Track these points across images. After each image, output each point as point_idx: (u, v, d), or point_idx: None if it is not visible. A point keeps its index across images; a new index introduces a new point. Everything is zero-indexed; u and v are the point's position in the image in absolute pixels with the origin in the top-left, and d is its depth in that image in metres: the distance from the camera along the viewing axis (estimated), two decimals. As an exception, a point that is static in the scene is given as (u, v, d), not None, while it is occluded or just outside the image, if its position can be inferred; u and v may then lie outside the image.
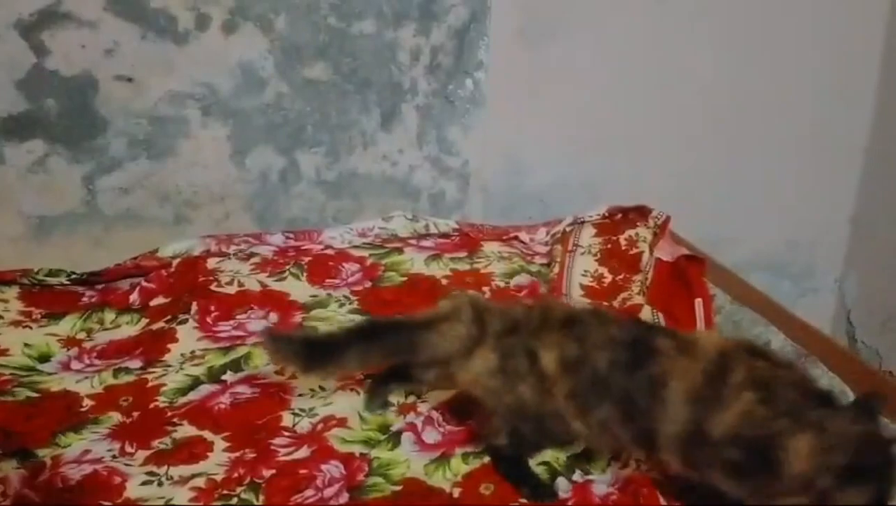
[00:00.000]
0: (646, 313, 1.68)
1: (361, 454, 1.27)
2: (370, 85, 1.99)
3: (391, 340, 1.29)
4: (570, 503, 1.18)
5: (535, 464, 1.26)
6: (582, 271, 1.87)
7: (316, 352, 1.27)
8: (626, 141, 2.24)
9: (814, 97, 2.32)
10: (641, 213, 2.04)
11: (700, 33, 2.20)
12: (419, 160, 2.08)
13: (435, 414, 1.35)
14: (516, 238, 2.02)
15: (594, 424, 1.19)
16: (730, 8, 2.21)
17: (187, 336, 1.55)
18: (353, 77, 1.98)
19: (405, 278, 1.78)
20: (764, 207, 2.37)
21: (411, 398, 1.40)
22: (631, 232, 1.97)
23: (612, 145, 2.22)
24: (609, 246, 1.95)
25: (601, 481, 1.22)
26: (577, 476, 1.24)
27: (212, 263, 1.72)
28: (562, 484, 1.22)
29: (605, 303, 1.75)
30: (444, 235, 1.98)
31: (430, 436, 1.31)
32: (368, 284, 1.76)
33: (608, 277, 1.86)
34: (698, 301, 1.72)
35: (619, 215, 2.06)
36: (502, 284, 1.80)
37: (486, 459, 1.26)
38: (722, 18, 2.21)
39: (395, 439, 1.30)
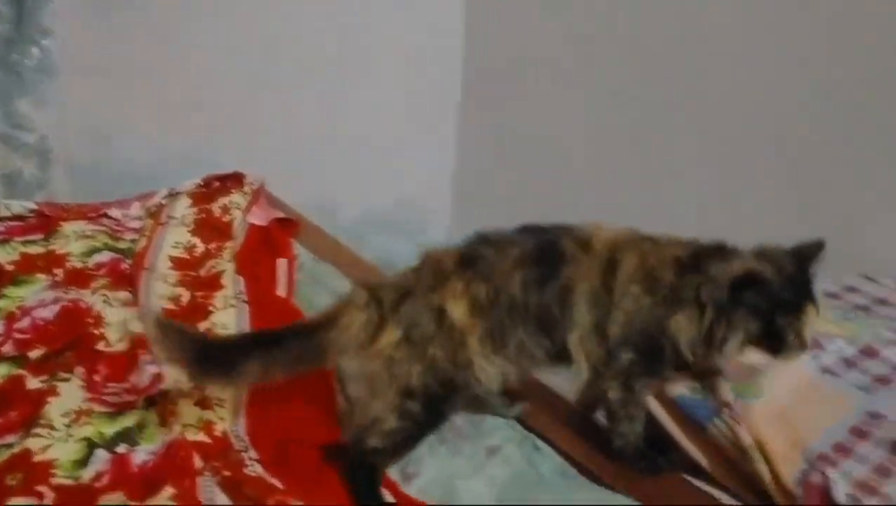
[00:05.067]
0: (228, 278, 1.69)
1: None
2: None
3: (295, 346, 1.18)
4: (105, 477, 1.15)
5: (77, 439, 1.21)
6: (173, 243, 1.83)
7: (210, 357, 1.16)
8: (228, 108, 2.22)
9: (405, 60, 2.45)
10: (237, 179, 2.04)
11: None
12: (-16, 138, 1.90)
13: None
14: (105, 215, 1.93)
15: (511, 352, 1.19)
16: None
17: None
18: None
19: (-38, 269, 1.62)
20: (371, 169, 2.48)
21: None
22: (225, 200, 1.96)
23: (210, 113, 2.19)
24: (203, 215, 1.93)
25: (142, 450, 1.20)
26: (122, 449, 1.21)
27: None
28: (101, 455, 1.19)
29: (193, 273, 1.73)
30: (19, 218, 1.83)
31: (-44, 434, 1.20)
32: (-86, 281, 1.58)
33: (200, 247, 1.83)
34: (281, 261, 1.76)
35: (216, 184, 2.05)
36: (80, 264, 1.70)
37: (17, 449, 1.18)
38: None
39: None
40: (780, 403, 1.24)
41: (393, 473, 1.24)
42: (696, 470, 1.26)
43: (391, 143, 2.49)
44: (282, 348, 1.19)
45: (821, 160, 1.80)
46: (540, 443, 1.30)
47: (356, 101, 2.43)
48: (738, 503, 1.21)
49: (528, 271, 1.18)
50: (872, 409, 1.26)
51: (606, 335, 1.18)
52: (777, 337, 1.15)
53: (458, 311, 1.17)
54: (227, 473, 1.17)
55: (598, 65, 2.23)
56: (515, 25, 2.47)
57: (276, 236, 1.85)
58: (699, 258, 1.16)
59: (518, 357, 1.21)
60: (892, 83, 1.68)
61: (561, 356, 1.22)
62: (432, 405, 1.19)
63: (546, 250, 1.19)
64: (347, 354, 1.21)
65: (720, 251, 1.17)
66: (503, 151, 2.62)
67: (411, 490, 1.22)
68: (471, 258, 1.20)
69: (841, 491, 1.12)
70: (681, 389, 1.28)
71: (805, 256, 1.18)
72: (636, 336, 1.17)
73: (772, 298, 1.12)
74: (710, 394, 1.26)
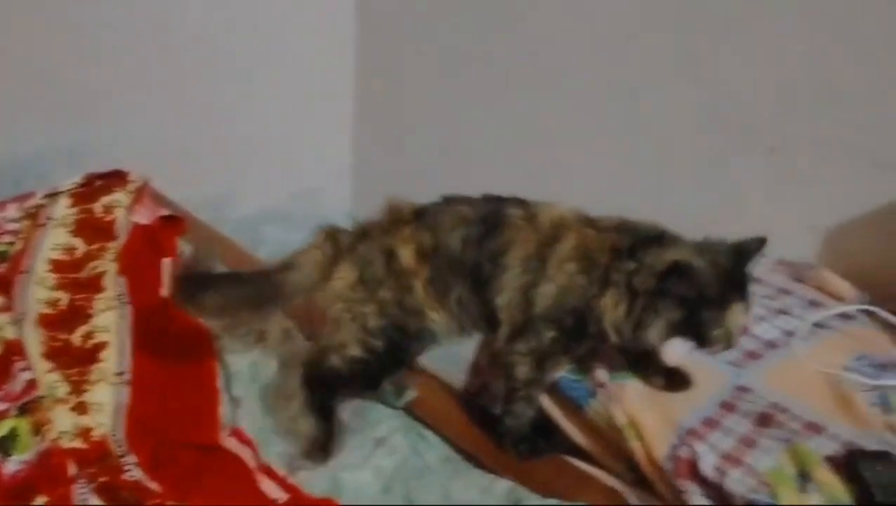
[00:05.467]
0: (110, 279, 1.64)
1: None
2: None
3: (252, 285, 1.26)
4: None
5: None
6: (52, 245, 1.77)
7: (184, 285, 1.31)
8: (114, 102, 2.14)
9: (299, 51, 2.42)
10: (120, 177, 1.99)
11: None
12: None
13: None
14: (-21, 218, 1.85)
15: (453, 306, 1.24)
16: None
17: None
18: None
19: None
20: (267, 162, 2.45)
21: None
22: (108, 199, 1.90)
23: (94, 108, 2.11)
24: (84, 215, 1.87)
25: (14, 460, 1.17)
26: (-4, 459, 1.17)
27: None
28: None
29: (73, 275, 1.68)
30: None
31: None
32: None
33: (81, 248, 1.78)
34: (166, 261, 1.73)
35: (98, 182, 1.99)
36: (-50, 271, 1.63)
37: None
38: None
39: None
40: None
41: (280, 465, 1.24)
42: (576, 450, 1.30)
43: (286, 135, 2.46)
44: (240, 286, 1.27)
45: (695, 141, 1.86)
46: (426, 431, 1.32)
47: (249, 93, 2.38)
48: (616, 481, 1.26)
49: (469, 229, 1.24)
50: (741, 383, 1.32)
51: (532, 304, 1.21)
52: (700, 329, 1.16)
53: (406, 254, 1.24)
54: (103, 478, 1.15)
55: (496, 51, 2.24)
56: (408, 14, 2.47)
57: (162, 235, 1.81)
58: (637, 246, 1.17)
59: (459, 313, 1.26)
60: (769, 64, 1.74)
61: (492, 320, 1.25)
62: (392, 346, 1.26)
63: (492, 214, 1.25)
64: (301, 295, 1.28)
65: (659, 239, 1.18)
66: (401, 141, 2.63)
67: (296, 480, 1.22)
68: (425, 211, 1.27)
69: (708, 463, 1.17)
70: (559, 371, 1.31)
71: (743, 252, 1.17)
72: (563, 313, 1.20)
73: (697, 289, 1.13)
74: (587, 375, 1.30)
